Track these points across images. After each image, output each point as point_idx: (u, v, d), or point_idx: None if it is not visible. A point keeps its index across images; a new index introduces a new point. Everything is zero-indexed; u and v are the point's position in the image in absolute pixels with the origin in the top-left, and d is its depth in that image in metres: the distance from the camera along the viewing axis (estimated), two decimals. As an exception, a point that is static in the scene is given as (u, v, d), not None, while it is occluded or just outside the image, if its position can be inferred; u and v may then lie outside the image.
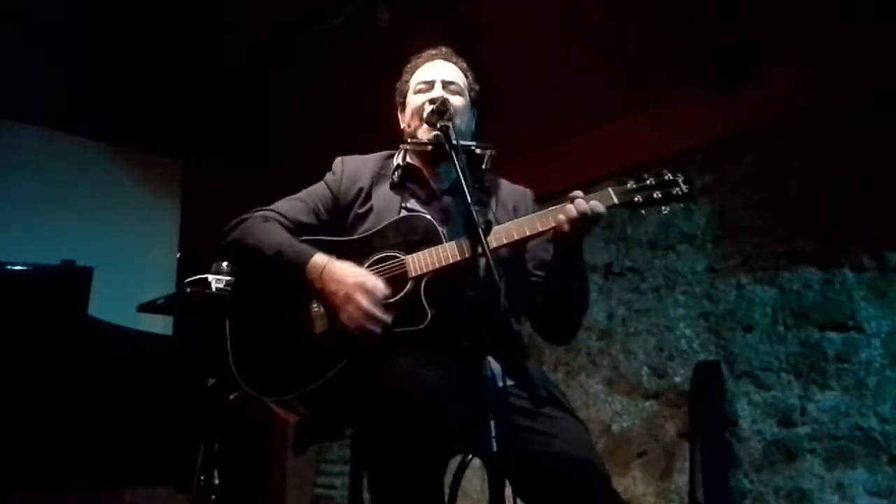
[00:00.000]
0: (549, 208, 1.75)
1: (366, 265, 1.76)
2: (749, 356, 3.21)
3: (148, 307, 3.07)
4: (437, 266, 1.71)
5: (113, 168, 4.63)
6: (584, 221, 1.69)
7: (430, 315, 1.66)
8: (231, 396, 2.52)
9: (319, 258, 1.73)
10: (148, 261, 4.50)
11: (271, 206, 1.91)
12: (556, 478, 1.60)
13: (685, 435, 3.32)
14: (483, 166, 1.91)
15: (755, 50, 3.28)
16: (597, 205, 1.71)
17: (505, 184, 2.03)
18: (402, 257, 1.74)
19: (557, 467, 1.60)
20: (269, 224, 1.85)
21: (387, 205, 1.88)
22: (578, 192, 1.74)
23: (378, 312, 1.65)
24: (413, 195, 1.93)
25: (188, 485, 2.65)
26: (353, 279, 1.68)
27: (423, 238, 1.76)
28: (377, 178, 1.95)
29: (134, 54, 4.29)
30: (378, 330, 1.65)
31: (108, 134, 4.55)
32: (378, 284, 1.69)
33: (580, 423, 1.73)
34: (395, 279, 1.72)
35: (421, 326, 1.65)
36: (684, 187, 1.76)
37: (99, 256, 3.08)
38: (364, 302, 1.65)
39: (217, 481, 2.61)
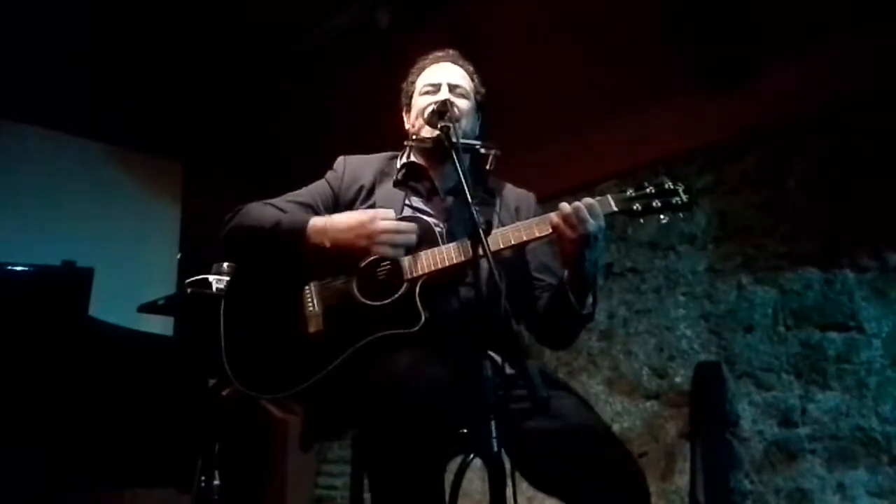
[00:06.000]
0: (551, 213, 1.74)
1: (362, 265, 1.76)
2: (750, 356, 3.21)
3: (148, 308, 3.07)
4: (433, 269, 1.71)
5: (113, 169, 4.63)
6: (578, 220, 1.67)
7: (423, 318, 1.66)
8: (224, 392, 2.52)
9: (318, 219, 1.76)
10: (148, 261, 4.51)
11: (269, 200, 1.92)
12: (566, 451, 1.59)
13: (686, 435, 3.32)
14: (488, 167, 1.92)
15: (755, 50, 3.28)
16: (591, 202, 1.69)
17: (508, 186, 2.04)
18: (398, 258, 1.74)
19: (566, 440, 1.60)
20: (267, 207, 1.87)
21: (390, 201, 1.89)
22: (588, 200, 1.71)
23: (402, 225, 1.72)
24: (416, 193, 1.94)
25: (189, 485, 2.65)
26: (360, 218, 1.73)
27: (420, 240, 1.75)
28: (380, 177, 1.96)
29: (134, 55, 4.29)
30: (413, 237, 1.71)
31: (108, 135, 4.55)
32: (387, 212, 1.75)
33: (583, 401, 1.74)
34: (390, 280, 1.72)
35: (413, 329, 1.64)
36: (684, 196, 1.76)
37: (99, 257, 3.09)
38: (384, 224, 1.70)
39: (218, 482, 2.61)
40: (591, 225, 1.67)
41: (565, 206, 1.69)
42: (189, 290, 2.74)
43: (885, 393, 2.83)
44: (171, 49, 4.34)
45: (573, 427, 1.62)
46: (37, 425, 2.56)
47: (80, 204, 4.35)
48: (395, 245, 1.70)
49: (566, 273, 1.76)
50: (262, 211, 1.84)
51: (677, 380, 3.43)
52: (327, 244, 1.71)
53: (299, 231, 1.73)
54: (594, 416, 1.71)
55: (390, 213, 1.75)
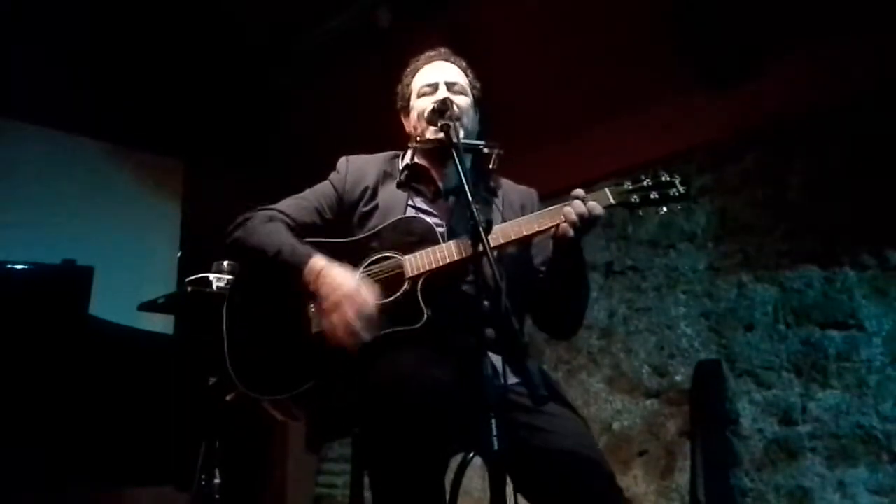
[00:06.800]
0: (549, 208, 1.76)
1: (363, 265, 1.77)
2: (750, 355, 3.21)
3: (149, 306, 3.07)
4: (435, 266, 1.71)
5: (114, 168, 4.63)
6: (582, 223, 1.71)
7: (426, 315, 1.66)
8: (227, 398, 2.52)
9: (317, 261, 1.72)
10: (148, 260, 4.50)
11: (275, 206, 1.91)
12: (559, 476, 1.60)
13: (686, 434, 3.32)
14: (491, 165, 1.92)
15: (755, 49, 3.28)
16: (595, 206, 1.73)
17: (510, 184, 2.05)
18: (400, 258, 1.75)
19: (560, 465, 1.61)
20: (272, 224, 1.85)
21: (393, 202, 1.89)
22: (580, 191, 1.75)
23: (359, 327, 1.61)
24: (419, 194, 1.94)
25: (189, 484, 2.65)
26: (346, 287, 1.66)
27: (420, 239, 1.76)
28: (383, 177, 1.96)
29: (134, 54, 4.29)
30: (352, 344, 1.62)
31: (109, 134, 4.54)
32: (370, 297, 1.66)
33: (581, 420, 1.74)
34: (392, 279, 1.72)
35: (416, 326, 1.65)
36: (681, 188, 1.78)
37: (100, 256, 3.09)
38: (350, 313, 1.62)
39: (218, 480, 2.61)
40: (591, 228, 1.72)
41: (570, 213, 1.71)
42: (189, 289, 2.74)
43: (886, 391, 2.84)
44: (172, 48, 4.34)
45: (569, 456, 1.62)
46: (37, 425, 2.56)
47: (81, 202, 4.34)
48: (344, 327, 1.62)
49: (553, 254, 1.80)
50: (267, 231, 1.83)
51: (678, 378, 3.43)
52: (312, 288, 1.70)
53: (297, 268, 1.73)
54: (592, 444, 1.70)
55: (371, 305, 1.64)
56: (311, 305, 1.74)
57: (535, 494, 1.66)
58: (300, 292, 1.74)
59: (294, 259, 1.74)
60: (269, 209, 1.90)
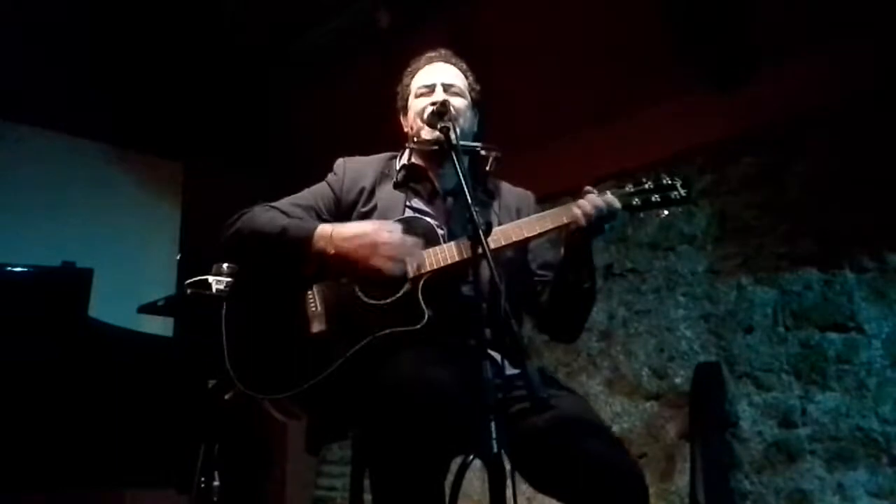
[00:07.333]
0: (550, 210, 1.76)
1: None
2: (749, 357, 3.21)
3: (148, 308, 3.07)
4: (435, 267, 1.71)
5: (113, 170, 4.63)
6: (600, 216, 1.70)
7: (426, 316, 1.66)
8: (226, 396, 2.52)
9: (325, 226, 1.75)
10: (148, 262, 4.51)
11: (272, 203, 1.91)
12: (560, 440, 1.60)
13: (686, 436, 3.32)
14: (487, 168, 1.92)
15: (755, 50, 3.28)
16: (612, 200, 1.73)
17: (507, 186, 2.05)
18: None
19: (560, 428, 1.61)
20: (272, 212, 1.86)
21: (391, 203, 1.89)
22: (590, 189, 1.75)
23: (401, 252, 1.69)
24: (417, 194, 1.94)
25: (188, 486, 2.65)
26: (369, 228, 1.73)
27: (421, 239, 1.76)
28: (380, 178, 1.96)
29: (134, 55, 4.30)
30: (416, 262, 1.69)
31: (108, 136, 4.55)
32: (393, 225, 1.73)
33: (580, 398, 1.77)
34: (393, 280, 1.72)
35: (417, 327, 1.65)
36: (682, 191, 1.78)
37: (99, 258, 3.09)
38: (387, 236, 1.69)
39: (217, 482, 2.61)
40: (608, 222, 1.72)
41: (585, 204, 1.71)
42: (189, 291, 2.74)
43: (885, 393, 2.83)
44: (172, 49, 4.34)
45: (568, 421, 1.63)
46: (37, 426, 2.56)
47: (81, 204, 4.35)
48: (394, 259, 1.69)
49: (565, 254, 1.79)
50: (269, 216, 1.83)
51: (677, 380, 3.43)
52: (331, 251, 1.70)
53: (306, 238, 1.73)
54: (592, 413, 1.72)
55: (396, 225, 1.74)
56: (312, 304, 1.74)
57: (539, 475, 1.65)
58: (306, 276, 1.74)
59: (300, 231, 1.75)
60: (265, 205, 1.90)
